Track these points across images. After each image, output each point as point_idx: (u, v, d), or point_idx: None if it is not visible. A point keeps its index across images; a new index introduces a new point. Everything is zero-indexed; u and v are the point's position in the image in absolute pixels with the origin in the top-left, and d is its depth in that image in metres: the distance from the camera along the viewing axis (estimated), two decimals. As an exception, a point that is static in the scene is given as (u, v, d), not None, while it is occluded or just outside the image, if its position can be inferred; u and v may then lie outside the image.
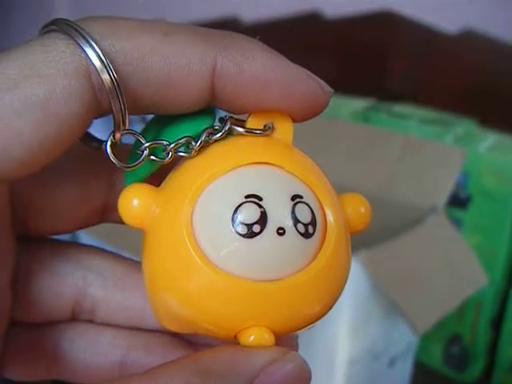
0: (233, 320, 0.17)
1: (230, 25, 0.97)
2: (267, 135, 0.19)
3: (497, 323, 0.63)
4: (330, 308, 0.19)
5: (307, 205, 0.18)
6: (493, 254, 0.60)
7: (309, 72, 0.19)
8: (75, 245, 0.22)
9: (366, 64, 0.85)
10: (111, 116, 0.18)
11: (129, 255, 0.22)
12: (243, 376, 0.16)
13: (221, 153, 0.18)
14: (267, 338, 0.17)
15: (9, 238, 0.19)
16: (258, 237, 0.17)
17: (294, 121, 0.19)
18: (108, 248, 0.22)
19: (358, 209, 0.19)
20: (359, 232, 0.20)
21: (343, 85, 0.73)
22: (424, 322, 0.46)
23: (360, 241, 0.34)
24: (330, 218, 0.18)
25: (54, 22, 0.17)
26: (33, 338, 0.21)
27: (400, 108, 0.70)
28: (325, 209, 0.18)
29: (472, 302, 0.61)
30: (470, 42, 0.77)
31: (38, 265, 0.21)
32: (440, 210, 0.53)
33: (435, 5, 0.81)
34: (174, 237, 0.17)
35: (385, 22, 0.82)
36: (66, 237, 0.22)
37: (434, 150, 0.56)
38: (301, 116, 0.19)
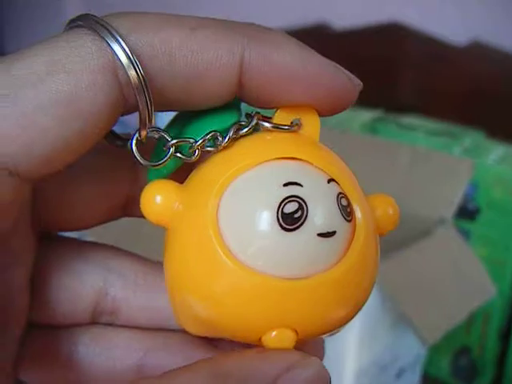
0: (258, 320, 0.17)
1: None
2: (294, 131, 0.18)
3: (505, 335, 0.63)
4: (357, 312, 0.18)
5: (345, 197, 0.17)
6: (501, 265, 0.60)
7: (338, 65, 0.18)
8: (95, 244, 0.21)
9: (374, 76, 0.86)
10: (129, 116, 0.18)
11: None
12: (262, 381, 0.16)
13: (247, 148, 0.18)
14: (290, 336, 0.17)
15: (28, 237, 0.19)
16: (292, 233, 0.16)
17: (321, 114, 0.19)
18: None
19: (387, 210, 0.19)
20: (387, 233, 0.19)
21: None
22: (432, 334, 0.46)
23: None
24: (359, 215, 0.18)
25: (80, 17, 0.17)
26: (50, 342, 0.21)
27: (408, 120, 0.70)
28: (353, 206, 0.18)
29: (480, 313, 0.61)
30: (477, 53, 0.77)
31: (56, 264, 0.20)
32: (448, 221, 0.53)
33: (443, 17, 0.81)
34: (199, 234, 0.17)
35: (393, 34, 0.83)
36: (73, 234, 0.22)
37: (442, 162, 0.56)
38: (329, 109, 0.19)
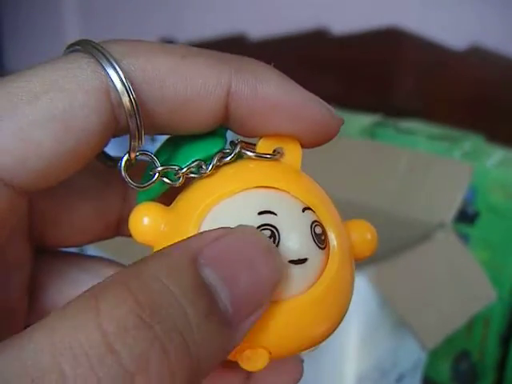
0: None
1: (237, 41, 0.97)
2: (276, 160, 0.19)
3: (505, 339, 0.63)
4: (331, 333, 0.19)
5: (319, 224, 0.18)
6: (501, 269, 0.60)
7: (320, 99, 0.19)
8: (91, 257, 0.22)
9: (373, 80, 0.86)
10: (123, 137, 0.18)
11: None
12: (184, 250, 0.16)
13: (229, 175, 0.19)
14: (262, 355, 0.17)
15: (26, 249, 0.20)
16: None
17: (304, 146, 0.20)
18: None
19: (364, 235, 0.20)
20: (365, 258, 0.20)
21: (350, 101, 0.74)
22: (432, 338, 0.46)
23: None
24: (334, 242, 0.18)
25: (78, 42, 0.18)
26: None
27: (407, 124, 0.70)
28: (328, 233, 0.18)
29: (480, 318, 0.61)
30: (477, 58, 0.77)
31: (54, 274, 0.21)
32: (448, 225, 0.53)
33: (442, 21, 0.81)
34: None
35: (392, 39, 0.83)
36: (73, 250, 0.22)
37: (442, 166, 0.56)
38: (310, 141, 0.19)
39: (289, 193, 0.18)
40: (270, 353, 0.18)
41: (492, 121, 0.75)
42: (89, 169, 0.18)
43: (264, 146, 0.19)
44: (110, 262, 0.22)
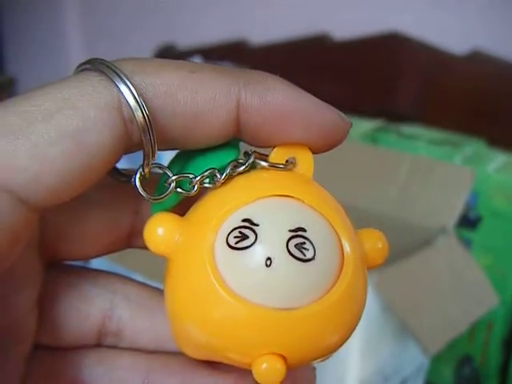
0: (249, 347, 0.18)
1: (239, 47, 0.98)
2: (289, 169, 0.20)
3: (508, 344, 0.63)
4: (345, 340, 0.19)
5: (307, 239, 0.18)
6: (503, 274, 0.60)
7: (329, 104, 0.19)
8: (101, 271, 0.22)
9: (375, 85, 0.86)
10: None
11: (140, 277, 0.23)
12: None
13: (243, 185, 0.19)
14: (279, 367, 0.18)
15: (36, 263, 0.20)
16: (272, 266, 0.17)
17: (314, 152, 0.20)
18: (119, 269, 0.23)
19: (376, 244, 0.20)
20: (376, 267, 0.20)
21: (352, 106, 0.74)
22: (435, 343, 0.46)
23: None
24: (348, 250, 0.19)
25: (89, 61, 0.18)
26: (55, 364, 0.21)
27: (408, 129, 0.70)
28: (342, 241, 0.19)
29: (483, 322, 0.60)
30: (478, 62, 0.77)
31: (64, 287, 0.21)
32: (450, 230, 0.53)
33: (443, 26, 0.81)
34: (196, 265, 0.18)
35: (393, 44, 0.83)
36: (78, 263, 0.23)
37: (443, 171, 0.56)
38: (321, 146, 0.20)
39: (303, 202, 0.19)
40: (286, 360, 0.18)
41: (494, 125, 0.75)
42: (100, 182, 0.18)
43: (277, 156, 0.20)
44: (119, 276, 0.22)
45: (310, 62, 0.91)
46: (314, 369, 0.21)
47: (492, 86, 0.77)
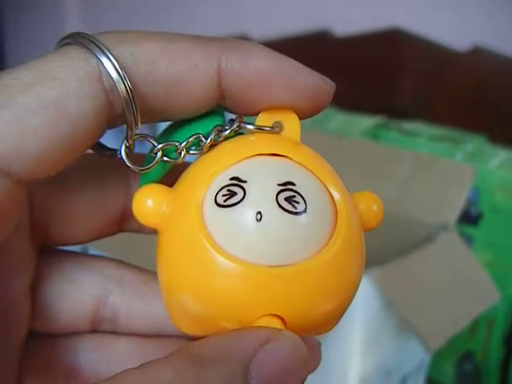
0: (246, 309, 0.17)
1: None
2: (276, 132, 0.19)
3: (509, 340, 0.63)
4: (344, 307, 0.19)
5: (297, 192, 0.18)
6: (504, 270, 0.60)
7: (310, 69, 0.19)
8: (94, 256, 0.22)
9: (376, 82, 0.86)
10: (119, 129, 0.18)
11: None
12: (238, 359, 0.16)
13: (230, 148, 0.19)
14: (278, 328, 0.17)
15: (28, 247, 0.20)
16: (262, 221, 0.17)
17: (300, 116, 0.20)
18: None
19: (371, 206, 0.20)
20: (372, 229, 0.20)
21: (353, 103, 0.74)
22: (436, 339, 0.46)
23: (372, 258, 0.35)
24: (341, 205, 0.18)
25: (70, 35, 0.18)
26: (52, 351, 0.21)
27: (410, 125, 0.70)
28: (334, 197, 0.18)
29: (484, 319, 0.61)
30: (479, 58, 0.77)
31: (57, 274, 0.21)
32: (451, 227, 0.53)
33: (444, 22, 0.81)
34: (187, 232, 0.18)
35: (394, 40, 0.83)
36: (75, 249, 0.23)
37: (444, 167, 0.56)
38: (306, 109, 0.20)
39: (292, 159, 0.18)
40: (285, 323, 0.17)
41: (495, 122, 0.75)
42: (89, 165, 0.19)
43: (263, 121, 0.19)
44: (113, 261, 0.22)
45: (310, 58, 0.90)
46: (319, 344, 0.21)
47: (493, 82, 0.77)
